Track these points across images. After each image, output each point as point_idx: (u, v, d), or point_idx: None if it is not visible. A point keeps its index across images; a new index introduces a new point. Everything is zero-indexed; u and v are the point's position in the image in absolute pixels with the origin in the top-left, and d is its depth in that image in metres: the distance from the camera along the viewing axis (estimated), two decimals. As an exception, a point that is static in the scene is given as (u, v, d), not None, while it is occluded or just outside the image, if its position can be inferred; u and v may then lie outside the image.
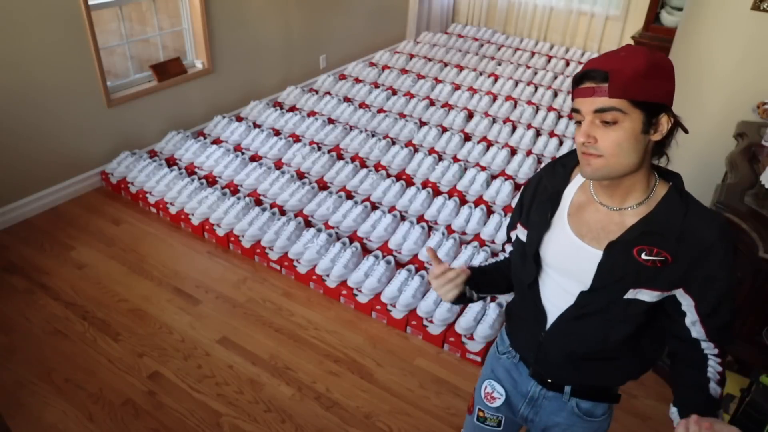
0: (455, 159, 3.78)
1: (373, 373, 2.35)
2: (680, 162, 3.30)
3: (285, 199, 3.24)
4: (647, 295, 1.09)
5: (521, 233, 1.25)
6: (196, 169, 3.54)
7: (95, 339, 2.43)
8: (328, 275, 2.75)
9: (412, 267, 2.78)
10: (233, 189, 3.38)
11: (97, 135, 3.44)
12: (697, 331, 1.11)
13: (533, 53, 5.71)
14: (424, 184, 3.48)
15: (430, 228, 3.11)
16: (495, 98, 4.65)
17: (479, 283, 1.29)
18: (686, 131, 1.04)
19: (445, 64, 5.34)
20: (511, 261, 1.32)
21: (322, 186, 3.44)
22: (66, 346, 2.39)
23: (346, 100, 4.57)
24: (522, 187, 1.34)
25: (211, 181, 3.44)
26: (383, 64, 5.32)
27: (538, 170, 1.27)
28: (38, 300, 2.62)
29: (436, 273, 1.21)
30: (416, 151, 3.84)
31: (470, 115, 4.40)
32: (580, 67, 4.57)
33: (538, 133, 4.18)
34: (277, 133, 3.97)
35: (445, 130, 4.16)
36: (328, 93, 4.67)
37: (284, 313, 2.63)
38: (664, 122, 1.02)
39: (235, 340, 2.46)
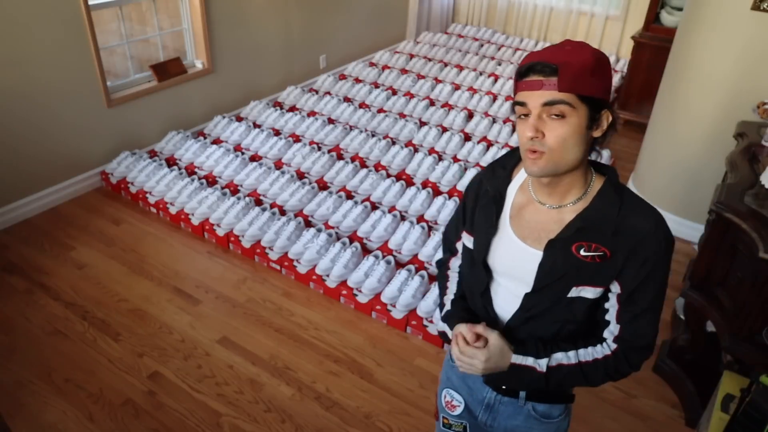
0: (455, 159, 3.78)
1: (373, 373, 2.35)
2: (680, 162, 3.32)
3: (285, 199, 3.24)
4: (590, 292, 1.08)
5: (467, 241, 1.22)
6: (196, 169, 3.54)
7: (95, 339, 2.43)
8: (328, 275, 2.75)
9: (412, 267, 2.78)
10: (233, 189, 3.38)
11: (97, 135, 3.44)
12: (610, 315, 1.11)
13: (533, 53, 5.70)
14: (424, 184, 3.48)
15: (430, 228, 3.11)
16: (495, 98, 4.65)
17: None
18: (616, 130, 1.06)
19: (445, 64, 5.34)
20: (461, 270, 1.29)
21: (322, 186, 3.44)
22: (66, 346, 2.39)
23: (346, 100, 4.57)
24: (463, 194, 1.30)
25: (211, 181, 3.44)
26: (383, 64, 5.32)
27: (476, 174, 1.25)
28: (38, 300, 2.62)
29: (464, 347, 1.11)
30: (416, 151, 3.84)
31: (470, 115, 4.40)
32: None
33: (538, 133, 4.17)
34: (277, 133, 3.97)
35: (445, 130, 4.16)
36: (328, 93, 4.67)
37: (284, 313, 2.63)
38: (605, 119, 1.02)
39: (235, 340, 2.46)
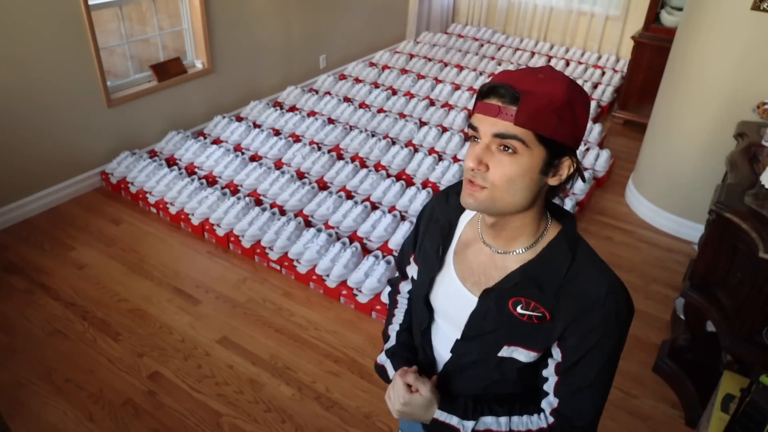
0: (455, 159, 3.78)
1: (373, 373, 2.34)
2: (681, 162, 3.32)
3: (285, 199, 3.24)
4: (523, 355, 0.96)
5: (413, 270, 1.11)
6: (196, 169, 3.54)
7: (95, 339, 2.43)
8: (328, 275, 2.75)
9: (412, 267, 2.78)
10: (233, 189, 3.38)
11: (97, 135, 3.44)
12: (548, 386, 0.97)
13: (533, 53, 5.71)
14: (424, 184, 3.48)
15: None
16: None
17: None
18: (584, 180, 0.93)
19: (445, 64, 5.34)
20: (411, 297, 1.19)
21: (322, 186, 3.44)
22: (66, 346, 2.39)
23: (346, 100, 4.57)
24: (417, 217, 1.16)
25: (211, 181, 3.45)
26: (383, 64, 5.33)
27: (432, 197, 1.12)
28: (38, 300, 2.62)
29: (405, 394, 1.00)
30: (416, 151, 3.84)
31: (470, 115, 4.39)
32: (579, 68, 4.53)
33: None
34: (277, 133, 3.97)
35: (445, 130, 4.16)
36: (328, 93, 4.67)
37: (284, 313, 2.63)
38: (566, 167, 0.88)
39: (235, 340, 2.46)
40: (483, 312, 0.96)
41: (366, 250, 2.95)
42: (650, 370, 2.38)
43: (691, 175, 3.09)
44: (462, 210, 1.04)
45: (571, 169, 0.89)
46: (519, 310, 0.93)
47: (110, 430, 2.06)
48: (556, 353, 0.94)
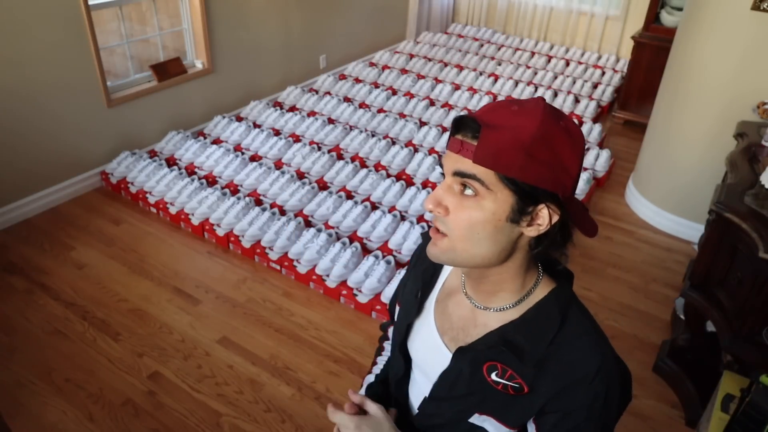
0: (455, 159, 3.78)
1: (373, 373, 2.35)
2: (681, 162, 3.32)
3: (285, 199, 3.24)
4: (494, 428, 0.85)
5: (397, 312, 1.02)
6: (196, 169, 3.54)
7: (95, 339, 2.43)
8: (328, 275, 2.75)
9: (412, 267, 2.78)
10: (233, 189, 3.38)
11: (97, 135, 3.44)
12: None
13: (533, 53, 5.71)
14: (424, 184, 3.48)
15: (430, 228, 3.11)
16: (495, 98, 4.64)
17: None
18: (569, 238, 0.79)
19: (445, 64, 5.34)
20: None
21: (322, 186, 3.44)
22: (66, 346, 2.39)
23: (346, 100, 4.57)
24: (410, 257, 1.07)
25: (211, 181, 3.44)
26: (383, 64, 5.33)
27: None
28: (38, 300, 2.62)
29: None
30: (416, 151, 3.84)
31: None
32: (579, 68, 4.53)
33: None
34: (277, 133, 3.97)
35: (445, 130, 4.15)
36: (328, 93, 4.67)
37: (284, 313, 2.63)
38: (545, 215, 0.74)
39: (235, 340, 2.46)
40: (455, 372, 0.84)
41: (366, 250, 2.95)
42: (650, 370, 2.38)
43: (691, 175, 3.09)
44: None
45: (554, 219, 0.75)
46: (494, 377, 0.81)
47: (110, 430, 2.06)
48: (531, 429, 0.83)
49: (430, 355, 0.91)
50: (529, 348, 0.79)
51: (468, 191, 0.74)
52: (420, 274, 0.95)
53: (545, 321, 0.80)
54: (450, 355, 0.86)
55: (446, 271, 0.94)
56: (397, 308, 1.02)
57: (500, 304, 0.83)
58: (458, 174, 0.74)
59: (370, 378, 1.13)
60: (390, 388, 1.04)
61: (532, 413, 0.81)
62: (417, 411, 0.96)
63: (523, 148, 0.69)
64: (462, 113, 0.77)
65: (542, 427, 0.82)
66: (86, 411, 2.12)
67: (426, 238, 0.95)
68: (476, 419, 0.85)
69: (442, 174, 0.78)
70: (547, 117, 0.71)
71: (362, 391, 1.11)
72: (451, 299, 0.90)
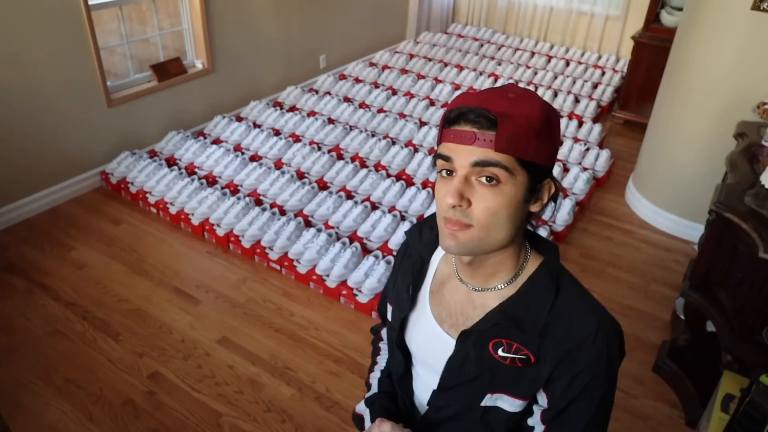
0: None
1: (373, 373, 2.35)
2: (681, 162, 3.32)
3: (285, 199, 3.24)
4: (508, 403, 0.87)
5: (389, 312, 1.03)
6: (196, 169, 3.54)
7: (95, 339, 2.43)
8: (328, 275, 2.75)
9: (412, 267, 2.78)
10: (233, 189, 3.38)
11: (97, 135, 3.44)
12: None
13: (533, 53, 5.71)
14: (424, 184, 3.48)
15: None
16: (495, 98, 4.64)
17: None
18: (555, 202, 0.85)
19: (445, 64, 5.34)
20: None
21: (322, 186, 3.44)
22: (66, 346, 2.39)
23: (346, 100, 4.57)
24: (395, 256, 1.09)
25: (211, 181, 3.45)
26: (383, 64, 5.33)
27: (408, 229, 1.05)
28: (38, 300, 2.62)
29: None
30: (416, 151, 3.84)
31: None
32: (579, 68, 4.52)
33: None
34: (277, 133, 3.97)
35: (445, 130, 4.15)
36: (328, 93, 4.67)
37: (284, 313, 2.63)
38: (546, 190, 0.82)
39: (235, 340, 2.46)
40: (461, 357, 0.87)
41: (366, 250, 2.95)
42: (650, 370, 2.38)
43: (691, 175, 3.09)
44: (435, 245, 0.96)
45: (551, 191, 0.82)
46: (500, 353, 0.84)
47: (110, 430, 2.06)
48: (542, 399, 0.86)
49: (431, 345, 0.92)
50: (531, 319, 0.83)
51: (489, 180, 0.77)
52: (409, 269, 0.97)
53: (541, 292, 0.84)
54: (453, 342, 0.88)
55: (435, 261, 0.97)
56: (389, 307, 1.04)
57: (497, 283, 0.87)
58: (480, 164, 0.76)
59: (376, 375, 1.14)
60: (395, 381, 1.05)
61: (542, 382, 0.84)
62: (426, 407, 0.96)
63: (535, 132, 0.76)
64: (459, 107, 0.79)
65: (553, 394, 0.84)
66: (86, 411, 2.12)
67: (410, 235, 1.02)
68: (488, 400, 0.88)
69: (447, 171, 0.80)
70: (542, 101, 0.79)
71: (374, 387, 1.11)
72: (446, 287, 0.92)
